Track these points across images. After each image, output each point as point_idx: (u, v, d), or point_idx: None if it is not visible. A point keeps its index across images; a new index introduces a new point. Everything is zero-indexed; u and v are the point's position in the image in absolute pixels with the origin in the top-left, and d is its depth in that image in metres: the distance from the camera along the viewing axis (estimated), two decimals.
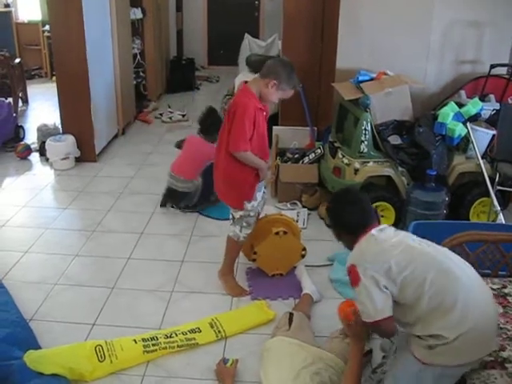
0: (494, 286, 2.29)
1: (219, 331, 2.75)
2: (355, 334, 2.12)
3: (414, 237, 2.05)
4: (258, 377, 2.43)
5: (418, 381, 1.92)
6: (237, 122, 2.77)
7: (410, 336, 1.95)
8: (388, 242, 1.98)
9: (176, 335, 2.67)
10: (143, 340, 2.63)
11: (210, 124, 4.02)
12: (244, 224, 3.03)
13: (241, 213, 3.00)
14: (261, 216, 3.25)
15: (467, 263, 2.00)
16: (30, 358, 2.43)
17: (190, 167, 4.07)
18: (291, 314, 2.69)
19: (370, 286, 1.88)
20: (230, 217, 3.10)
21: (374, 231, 2.03)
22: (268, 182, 4.46)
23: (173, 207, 4.21)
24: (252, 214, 3.02)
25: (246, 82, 2.99)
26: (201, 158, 4.01)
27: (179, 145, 4.34)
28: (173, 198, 4.17)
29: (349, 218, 2.09)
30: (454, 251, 2.36)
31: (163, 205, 4.24)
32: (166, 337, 2.66)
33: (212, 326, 2.77)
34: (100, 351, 2.54)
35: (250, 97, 2.81)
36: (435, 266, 1.89)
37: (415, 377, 1.92)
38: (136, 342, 2.61)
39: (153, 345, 2.61)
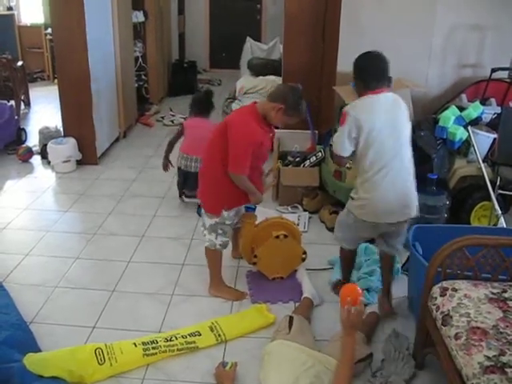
0: (494, 291, 2.28)
1: (219, 335, 2.74)
2: (353, 324, 2.10)
3: (400, 122, 2.68)
4: (257, 380, 2.43)
5: (352, 226, 2.79)
6: (239, 146, 2.76)
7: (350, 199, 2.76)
8: (377, 108, 2.60)
9: (176, 338, 2.67)
10: (143, 343, 2.62)
11: (209, 104, 4.22)
12: (219, 231, 3.01)
13: (216, 219, 2.96)
14: (261, 219, 3.25)
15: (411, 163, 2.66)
16: (30, 360, 2.43)
17: (202, 146, 4.05)
18: (291, 318, 2.68)
19: (345, 132, 2.58)
20: (201, 224, 3.08)
21: (374, 95, 2.61)
22: (269, 185, 4.47)
23: (187, 197, 4.24)
24: (228, 222, 3.00)
25: (255, 102, 2.96)
26: (208, 135, 4.02)
27: (175, 138, 4.34)
28: (189, 182, 4.15)
29: (371, 66, 2.67)
30: (454, 255, 2.38)
31: (181, 195, 4.31)
32: (166, 340, 2.65)
33: (212, 330, 2.76)
34: (100, 354, 2.54)
35: (253, 119, 2.79)
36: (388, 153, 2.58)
37: (352, 223, 2.77)
38: (136, 346, 2.61)
39: (153, 348, 2.60)
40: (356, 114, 2.57)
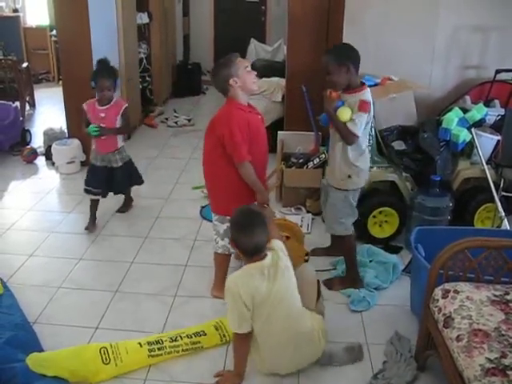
0: (497, 293, 2.28)
1: (224, 335, 2.74)
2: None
3: None
4: (259, 381, 2.43)
5: (352, 204, 3.07)
6: (231, 134, 2.77)
7: (336, 175, 3.02)
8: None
9: (181, 338, 2.67)
10: (148, 343, 2.63)
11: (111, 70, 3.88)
12: (222, 234, 3.01)
13: (228, 224, 2.81)
14: None
15: None
16: (33, 360, 2.44)
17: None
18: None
19: (366, 118, 2.88)
20: (214, 232, 3.08)
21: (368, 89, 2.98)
22: (272, 187, 4.47)
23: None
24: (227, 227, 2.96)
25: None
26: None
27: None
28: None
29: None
30: (456, 257, 2.38)
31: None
32: (171, 340, 2.65)
33: (217, 329, 2.76)
34: (105, 353, 2.54)
35: (233, 106, 2.84)
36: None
37: (352, 202, 3.07)
38: (141, 346, 2.61)
39: (158, 349, 2.61)
40: (371, 103, 2.91)
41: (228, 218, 2.81)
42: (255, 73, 2.90)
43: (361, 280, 3.19)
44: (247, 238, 2.34)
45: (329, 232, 3.28)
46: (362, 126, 2.87)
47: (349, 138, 2.88)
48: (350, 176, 2.99)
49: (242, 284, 2.32)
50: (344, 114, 2.85)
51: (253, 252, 2.37)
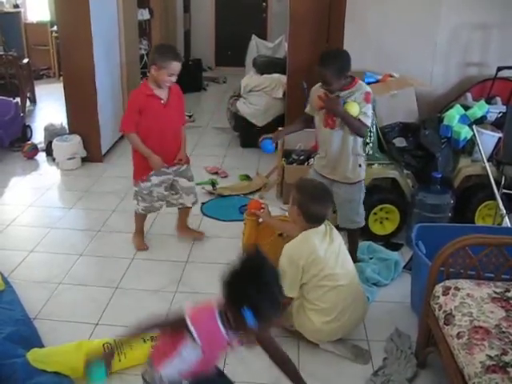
0: (497, 290, 2.28)
1: None
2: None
3: None
4: (258, 377, 2.43)
5: (361, 191, 3.20)
6: (125, 109, 3.39)
7: (349, 169, 3.10)
8: None
9: None
10: (152, 339, 2.62)
11: None
12: (139, 198, 3.50)
13: (135, 189, 3.49)
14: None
15: None
16: (33, 356, 2.45)
17: None
18: None
19: (371, 109, 3.04)
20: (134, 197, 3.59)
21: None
22: (273, 183, 4.47)
23: None
24: (145, 192, 3.46)
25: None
26: None
27: None
28: None
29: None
30: (457, 254, 2.38)
31: None
32: None
33: None
34: (108, 348, 2.53)
35: (141, 87, 3.31)
36: None
37: (360, 189, 3.19)
38: (145, 341, 2.61)
39: None
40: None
41: (139, 181, 3.44)
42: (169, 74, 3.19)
43: None
44: (320, 207, 2.58)
45: (351, 227, 3.28)
46: (371, 116, 3.03)
47: (362, 130, 3.00)
48: (360, 165, 3.13)
49: (301, 247, 2.55)
50: (354, 108, 2.92)
51: (317, 220, 2.59)
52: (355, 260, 3.28)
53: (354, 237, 3.36)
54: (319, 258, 2.52)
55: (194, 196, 3.62)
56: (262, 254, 1.81)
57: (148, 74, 3.33)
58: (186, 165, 3.51)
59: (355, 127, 2.96)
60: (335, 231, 2.68)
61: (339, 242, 2.67)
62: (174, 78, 3.23)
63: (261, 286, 1.66)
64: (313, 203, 2.57)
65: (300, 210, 2.57)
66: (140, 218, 3.67)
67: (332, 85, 2.92)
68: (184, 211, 3.71)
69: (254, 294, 1.64)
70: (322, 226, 2.61)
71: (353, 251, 3.28)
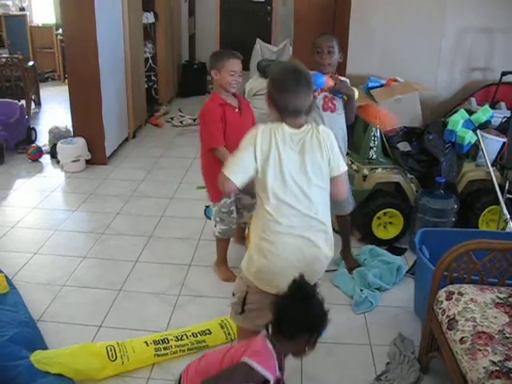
0: (501, 295, 2.27)
1: (229, 333, 2.75)
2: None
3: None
4: None
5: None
6: (204, 124, 3.09)
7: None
8: None
9: (187, 337, 2.68)
10: (154, 342, 2.63)
11: None
12: (217, 219, 3.24)
13: (214, 208, 3.23)
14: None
15: None
16: (37, 358, 2.45)
17: None
18: None
19: None
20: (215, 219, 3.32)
21: None
22: None
23: None
24: (224, 210, 3.19)
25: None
26: None
27: None
28: None
29: None
30: (461, 259, 2.37)
31: None
32: (177, 339, 2.66)
33: (222, 327, 2.77)
34: (111, 351, 2.55)
35: (210, 99, 3.11)
36: None
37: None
38: (148, 345, 2.62)
39: (164, 348, 2.61)
40: None
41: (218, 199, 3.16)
42: (228, 74, 3.02)
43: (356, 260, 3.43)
44: (289, 95, 2.07)
45: (346, 211, 3.30)
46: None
47: (354, 116, 3.12)
48: (348, 152, 3.28)
49: (263, 133, 2.09)
50: (357, 92, 3.06)
51: (290, 112, 2.09)
52: (349, 246, 3.42)
53: (347, 225, 3.41)
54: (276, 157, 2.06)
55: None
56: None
57: (210, 88, 3.33)
58: None
59: (352, 112, 3.07)
60: (316, 141, 2.10)
61: (314, 158, 2.10)
62: (237, 78, 3.03)
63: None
64: (280, 91, 2.09)
65: (269, 99, 2.15)
66: (221, 245, 3.36)
67: (334, 55, 3.01)
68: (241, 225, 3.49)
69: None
70: (300, 129, 2.11)
71: (348, 244, 3.42)
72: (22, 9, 8.83)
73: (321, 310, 1.86)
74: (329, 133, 2.16)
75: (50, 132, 5.52)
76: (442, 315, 2.29)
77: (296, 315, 1.82)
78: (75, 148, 5.05)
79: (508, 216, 3.38)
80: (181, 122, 6.69)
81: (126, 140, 5.91)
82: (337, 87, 2.99)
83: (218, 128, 3.03)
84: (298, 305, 1.83)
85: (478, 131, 3.57)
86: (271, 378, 1.77)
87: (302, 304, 1.83)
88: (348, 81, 3.13)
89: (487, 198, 3.65)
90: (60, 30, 7.96)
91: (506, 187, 3.54)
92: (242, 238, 3.58)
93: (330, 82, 2.97)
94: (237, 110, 3.11)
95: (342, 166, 2.18)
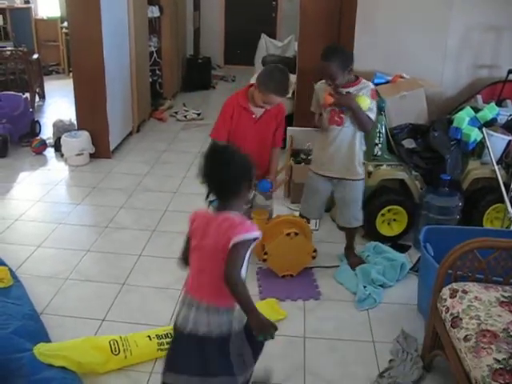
0: (506, 294, 2.26)
1: None
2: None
3: None
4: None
5: (361, 188, 3.24)
6: (219, 114, 3.16)
7: (355, 166, 3.14)
8: None
9: None
10: (157, 337, 2.63)
11: None
12: None
13: None
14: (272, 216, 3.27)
15: None
16: (40, 350, 2.45)
17: None
18: None
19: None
20: None
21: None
22: (281, 183, 4.46)
23: None
24: None
25: (251, 85, 3.17)
26: None
27: None
28: None
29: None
30: (465, 257, 2.37)
31: None
32: None
33: None
34: (114, 345, 2.55)
35: (237, 93, 3.13)
36: None
37: (362, 186, 3.24)
38: (151, 339, 2.62)
39: (167, 343, 2.60)
40: None
41: None
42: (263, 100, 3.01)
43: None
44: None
45: (355, 225, 3.32)
46: (376, 112, 3.09)
47: (369, 125, 3.05)
48: (364, 162, 3.25)
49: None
50: (366, 102, 2.97)
51: None
52: (353, 248, 3.45)
53: (354, 234, 3.43)
54: None
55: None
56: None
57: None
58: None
59: (363, 122, 3.01)
60: None
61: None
62: (268, 107, 3.08)
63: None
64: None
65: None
66: None
67: (337, 79, 2.94)
68: None
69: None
70: None
71: (351, 245, 3.43)
72: (27, 1, 8.83)
73: (242, 155, 1.99)
74: None
75: (54, 125, 5.52)
76: (446, 313, 2.29)
77: (235, 168, 1.94)
78: (79, 141, 5.05)
79: None
80: (185, 117, 6.69)
81: (130, 134, 5.90)
82: (335, 102, 3.00)
83: (223, 121, 3.07)
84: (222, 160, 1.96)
85: (483, 129, 3.56)
86: (259, 234, 1.91)
87: (226, 158, 1.97)
88: (355, 92, 3.00)
89: (492, 196, 3.64)
90: (65, 23, 7.96)
91: (511, 185, 3.53)
92: None
93: (329, 100, 3.00)
94: (254, 116, 3.10)
95: None
